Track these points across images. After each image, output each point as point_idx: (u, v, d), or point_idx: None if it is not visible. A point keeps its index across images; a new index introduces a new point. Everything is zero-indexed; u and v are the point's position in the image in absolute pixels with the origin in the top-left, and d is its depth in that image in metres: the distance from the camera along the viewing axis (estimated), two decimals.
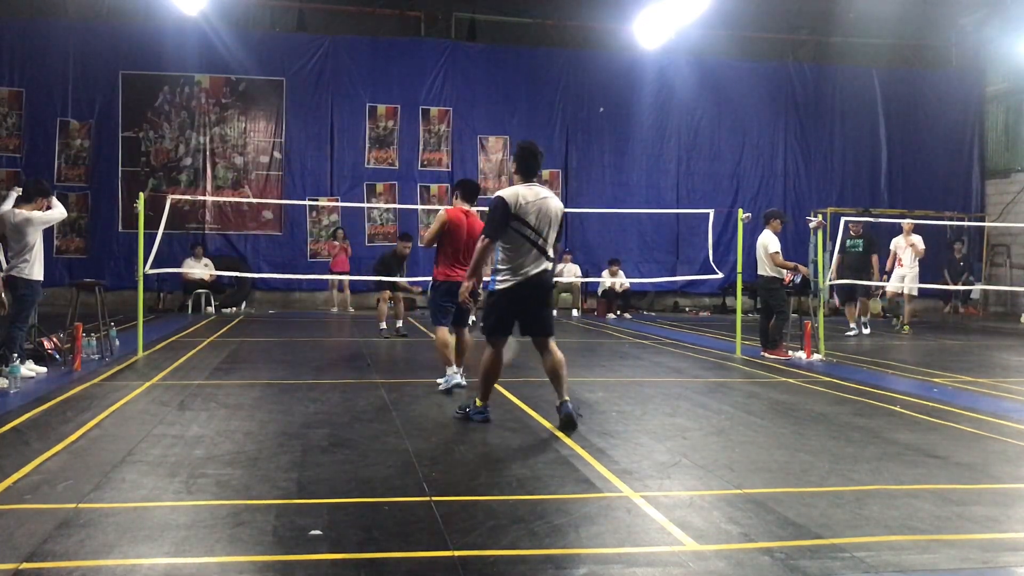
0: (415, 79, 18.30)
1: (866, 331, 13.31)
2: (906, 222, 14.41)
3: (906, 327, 14.40)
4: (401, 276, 12.53)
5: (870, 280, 13.48)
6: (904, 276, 14.19)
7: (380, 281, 12.24)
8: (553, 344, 6.01)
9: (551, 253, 5.94)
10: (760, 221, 11.25)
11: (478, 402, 6.12)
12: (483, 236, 5.95)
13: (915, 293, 14.60)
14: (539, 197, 5.87)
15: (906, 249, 14.21)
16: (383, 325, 12.22)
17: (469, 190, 7.77)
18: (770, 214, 10.96)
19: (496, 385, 7.67)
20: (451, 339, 7.55)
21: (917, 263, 14.22)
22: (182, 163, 17.70)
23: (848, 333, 13.30)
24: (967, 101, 20.55)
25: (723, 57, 19.51)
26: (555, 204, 5.95)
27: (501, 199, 5.83)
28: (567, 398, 5.91)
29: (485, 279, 6.50)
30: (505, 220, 5.78)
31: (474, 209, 7.75)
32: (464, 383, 7.50)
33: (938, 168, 20.31)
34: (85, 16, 17.52)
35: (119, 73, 17.32)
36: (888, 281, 14.26)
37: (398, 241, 12.83)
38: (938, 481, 4.70)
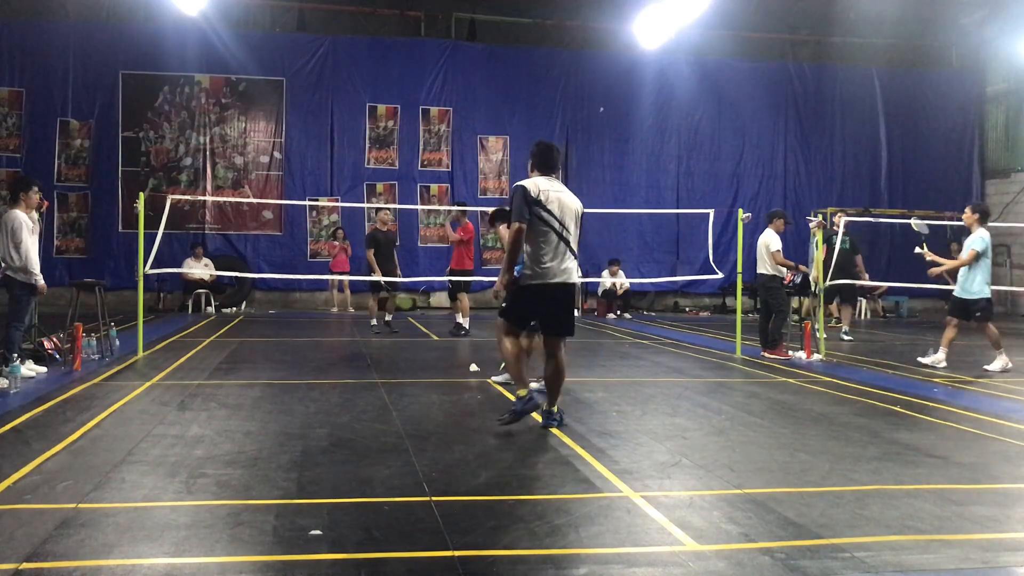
0: (415, 79, 18.31)
1: (848, 338, 12.93)
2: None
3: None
4: (395, 265, 12.60)
5: (853, 280, 12.95)
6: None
7: (375, 282, 12.33)
8: (562, 350, 5.92)
9: (575, 247, 5.85)
10: (762, 220, 11.22)
11: (522, 392, 5.83)
12: (513, 221, 5.78)
13: None
14: (558, 190, 5.85)
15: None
16: (373, 322, 12.34)
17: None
18: (773, 214, 11.02)
19: (497, 385, 7.72)
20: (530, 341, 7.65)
21: None
22: (182, 163, 17.70)
23: (844, 337, 12.95)
24: (967, 101, 20.56)
25: (723, 57, 19.51)
26: (575, 201, 5.93)
27: (520, 185, 5.80)
28: (555, 408, 5.89)
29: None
30: (527, 203, 5.70)
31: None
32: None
33: (938, 168, 20.32)
34: (85, 16, 17.51)
35: (119, 73, 17.34)
36: (869, 281, 14.13)
37: (376, 217, 12.97)
38: (938, 481, 4.70)
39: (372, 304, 12.77)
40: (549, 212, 5.72)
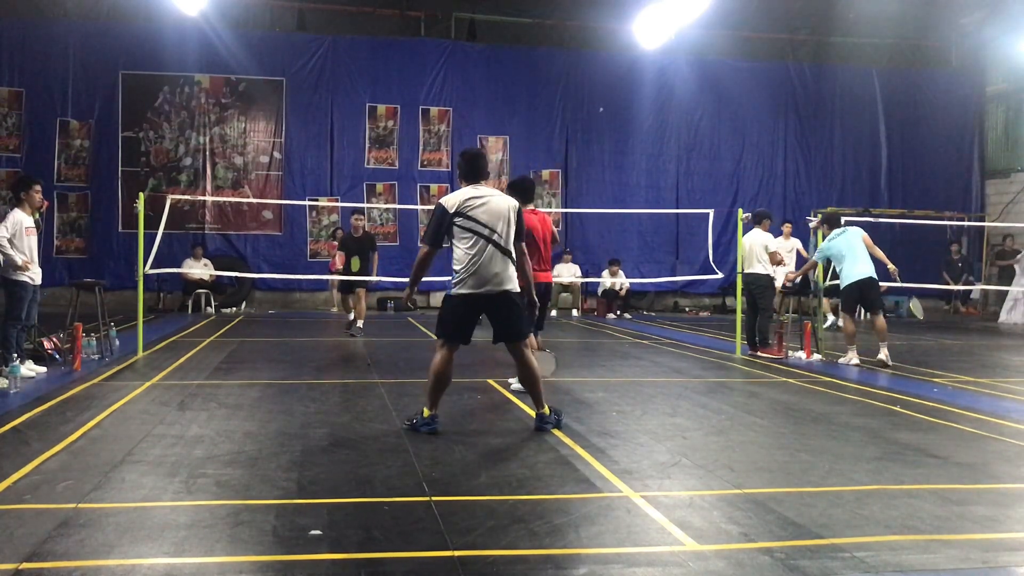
0: (415, 79, 18.30)
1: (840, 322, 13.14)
2: (787, 225, 14.51)
3: None
4: (369, 265, 12.39)
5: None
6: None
7: (344, 282, 12.27)
8: (527, 351, 5.81)
9: (510, 249, 5.70)
10: (750, 220, 11.15)
11: (426, 412, 5.69)
12: (422, 243, 5.85)
13: None
14: (486, 195, 5.73)
15: (791, 251, 14.02)
16: (360, 324, 12.19)
17: (521, 192, 7.36)
18: (762, 214, 11.07)
19: (495, 384, 7.71)
20: (534, 342, 7.36)
21: None
22: (182, 163, 17.70)
23: (826, 325, 12.86)
24: (967, 101, 20.54)
25: (723, 57, 19.50)
26: (505, 202, 5.78)
27: (439, 204, 5.75)
28: (544, 409, 5.79)
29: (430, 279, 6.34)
30: (443, 224, 5.65)
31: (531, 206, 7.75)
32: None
33: (938, 168, 20.30)
34: (85, 16, 17.51)
35: (119, 73, 17.32)
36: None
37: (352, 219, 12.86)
38: (938, 481, 4.70)
39: (360, 307, 12.42)
40: (473, 219, 5.62)
